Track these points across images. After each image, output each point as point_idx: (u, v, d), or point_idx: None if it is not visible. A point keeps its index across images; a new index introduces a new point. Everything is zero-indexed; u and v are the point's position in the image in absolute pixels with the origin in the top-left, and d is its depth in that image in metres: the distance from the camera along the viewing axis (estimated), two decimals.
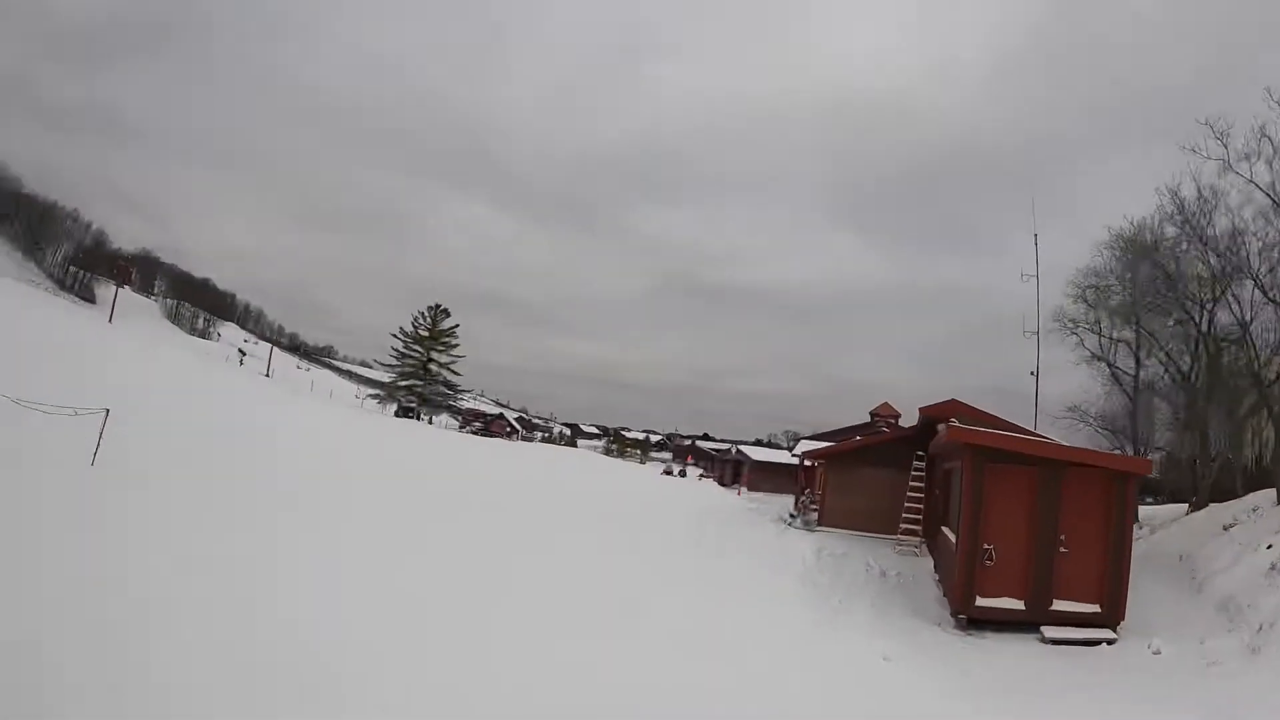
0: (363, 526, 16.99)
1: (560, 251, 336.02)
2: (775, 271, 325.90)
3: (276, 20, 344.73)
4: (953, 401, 19.51)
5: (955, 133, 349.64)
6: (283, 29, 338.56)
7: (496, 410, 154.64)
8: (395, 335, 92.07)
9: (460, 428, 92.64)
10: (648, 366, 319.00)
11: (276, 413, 49.14)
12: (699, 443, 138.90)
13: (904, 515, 21.90)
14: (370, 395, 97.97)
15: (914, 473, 22.45)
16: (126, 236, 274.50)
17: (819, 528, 24.35)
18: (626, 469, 62.00)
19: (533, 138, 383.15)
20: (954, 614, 15.12)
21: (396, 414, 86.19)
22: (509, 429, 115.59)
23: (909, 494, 22.19)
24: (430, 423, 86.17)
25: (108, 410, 19.31)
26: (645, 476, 54.35)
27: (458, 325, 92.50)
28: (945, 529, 18.57)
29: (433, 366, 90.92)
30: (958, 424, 17.00)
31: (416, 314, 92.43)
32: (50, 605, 8.39)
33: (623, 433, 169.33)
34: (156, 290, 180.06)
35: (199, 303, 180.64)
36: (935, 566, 19.54)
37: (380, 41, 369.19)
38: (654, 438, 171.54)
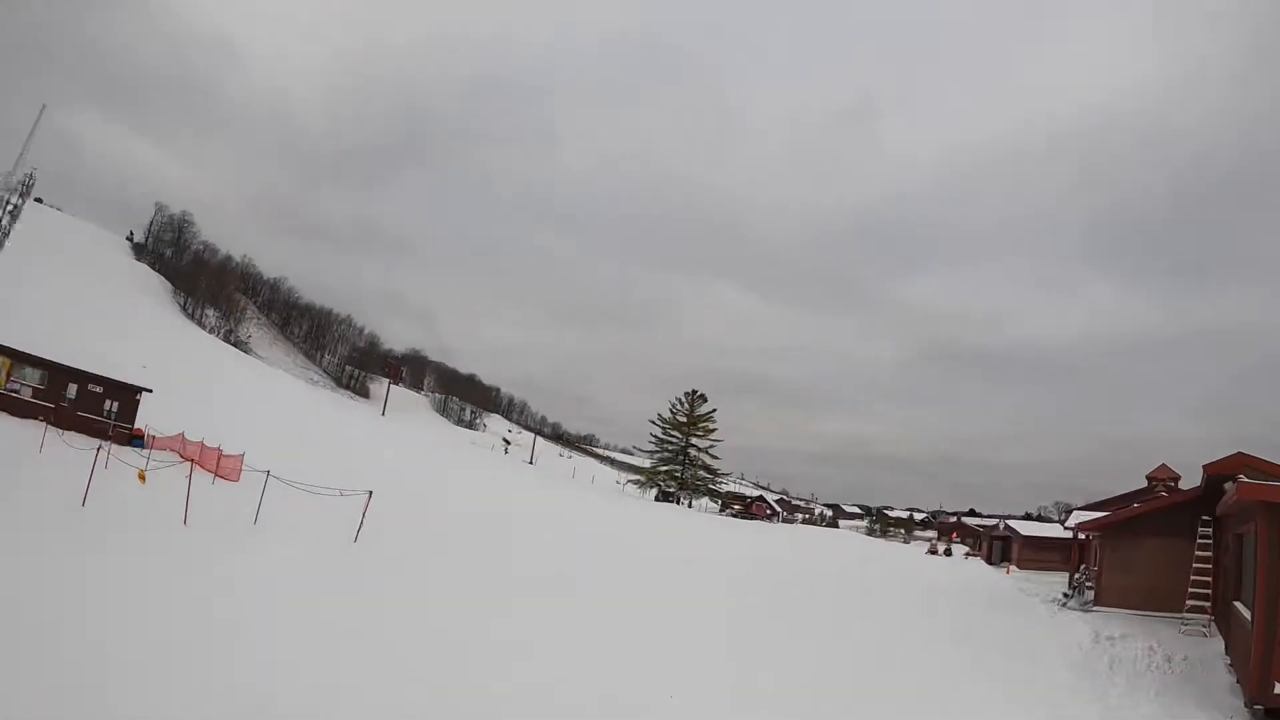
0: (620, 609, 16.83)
1: (811, 327, 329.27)
2: (1037, 329, 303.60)
3: (523, 126, 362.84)
4: (1239, 455, 17.30)
5: (1212, 143, 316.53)
6: (528, 135, 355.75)
7: (756, 492, 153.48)
8: (654, 422, 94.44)
9: (720, 510, 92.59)
10: (908, 441, 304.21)
11: (539, 498, 50.62)
12: (964, 519, 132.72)
13: (1190, 590, 19.48)
14: (630, 480, 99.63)
15: (1200, 540, 19.97)
16: (397, 338, 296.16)
17: (1096, 608, 22.13)
18: (888, 550, 59.96)
19: (771, 213, 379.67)
20: (1249, 704, 13.01)
21: (657, 498, 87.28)
22: (769, 511, 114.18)
23: (1195, 565, 19.70)
24: (689, 506, 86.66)
25: (370, 492, 20.32)
26: (908, 557, 52.26)
27: (715, 410, 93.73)
28: (1238, 604, 16.18)
29: (691, 451, 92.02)
30: (1247, 480, 14.94)
31: (674, 400, 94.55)
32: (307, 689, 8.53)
33: (885, 511, 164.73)
34: (426, 386, 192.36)
35: (466, 397, 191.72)
36: (1226, 648, 17.13)
37: (619, 134, 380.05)
38: (917, 515, 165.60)
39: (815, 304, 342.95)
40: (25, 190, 60.71)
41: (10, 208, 52.19)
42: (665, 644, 14.23)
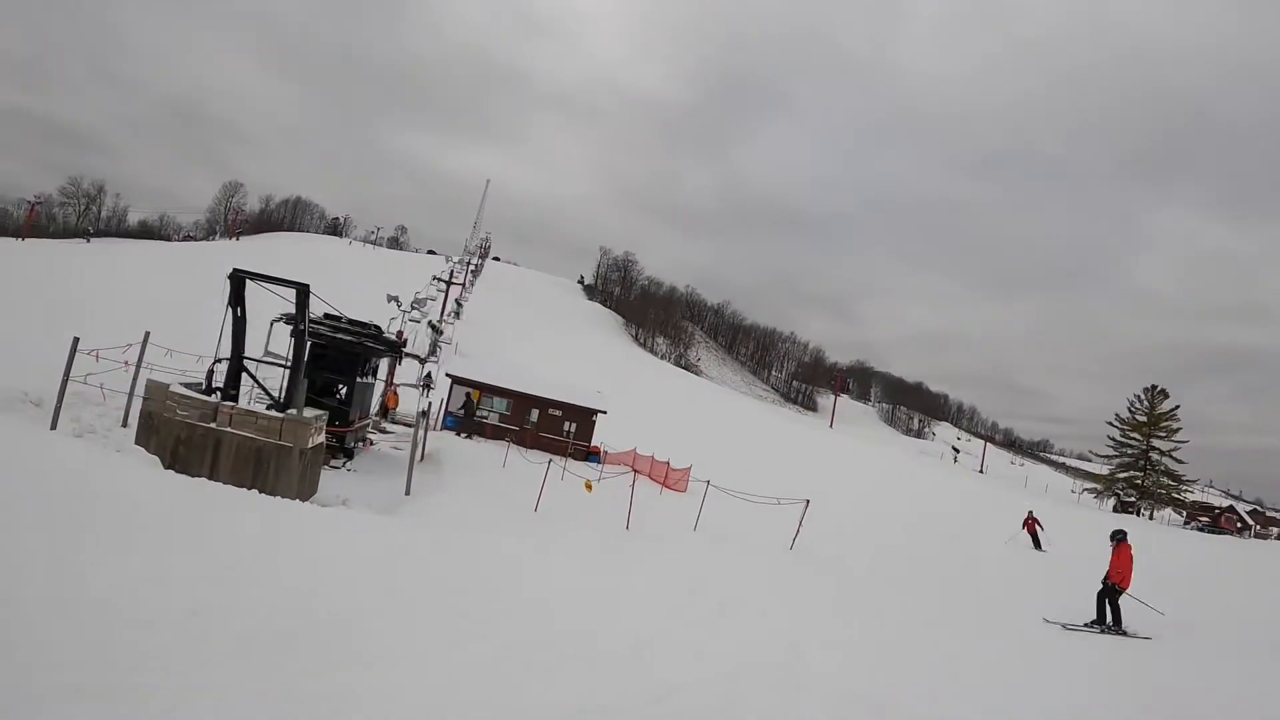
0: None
1: None
2: None
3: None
4: None
5: None
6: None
7: (1226, 502, 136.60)
8: (1110, 424, 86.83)
9: (1184, 524, 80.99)
10: None
11: (986, 508, 48.61)
12: None
13: None
14: (1086, 489, 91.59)
15: None
16: (840, 350, 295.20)
17: None
18: None
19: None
20: None
21: (1115, 509, 79.79)
22: (1240, 524, 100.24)
23: None
24: (1150, 518, 78.39)
25: (808, 501, 20.30)
26: None
27: (1178, 407, 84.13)
28: None
29: (1153, 455, 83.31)
30: None
31: (1131, 398, 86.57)
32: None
33: None
34: (873, 396, 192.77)
35: (913, 405, 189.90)
36: None
37: None
38: None
39: None
40: (484, 252, 69.43)
41: (473, 267, 59.23)
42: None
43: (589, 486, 21.62)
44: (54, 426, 14.90)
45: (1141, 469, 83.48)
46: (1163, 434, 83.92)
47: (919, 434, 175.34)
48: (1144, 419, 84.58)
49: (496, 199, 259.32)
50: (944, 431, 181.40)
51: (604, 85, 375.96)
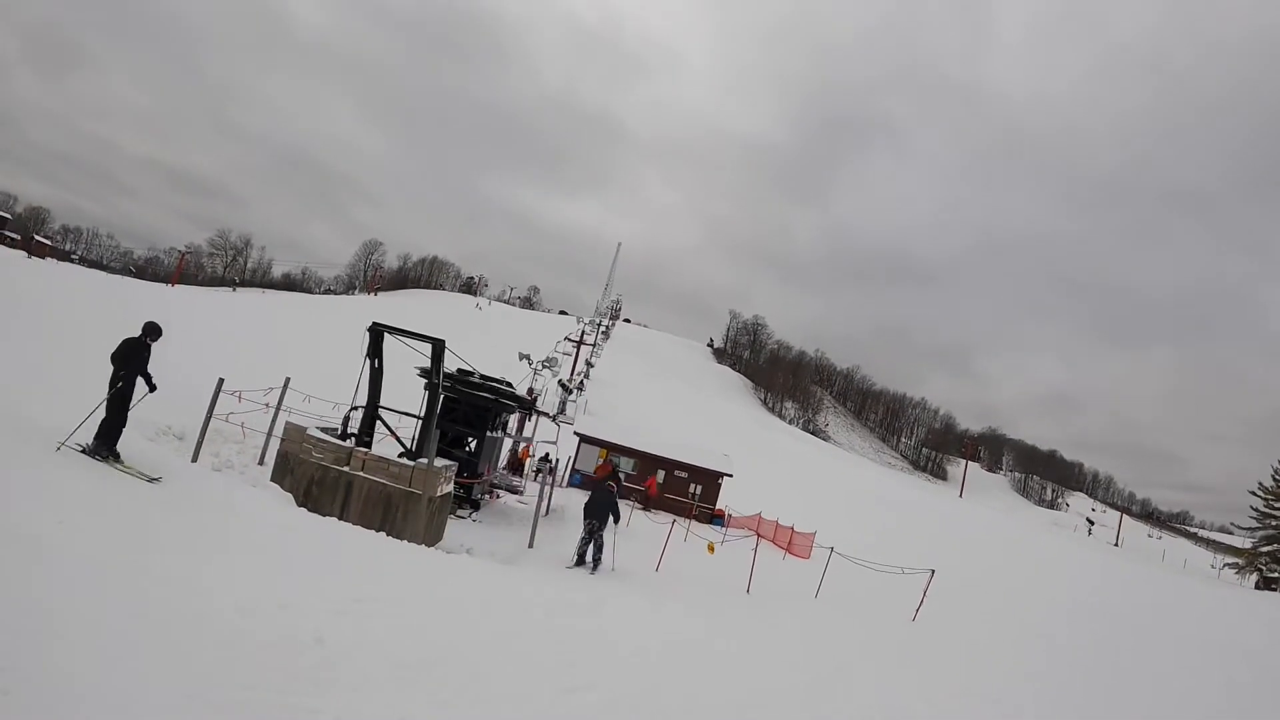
0: None
1: None
2: None
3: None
4: None
5: None
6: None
7: None
8: (1253, 493, 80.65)
9: None
10: None
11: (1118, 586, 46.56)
12: None
13: None
14: (1226, 564, 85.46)
15: None
16: (970, 415, 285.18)
17: None
18: None
19: None
20: None
21: (1257, 585, 74.53)
22: None
23: None
24: None
25: (932, 571, 19.75)
26: None
27: None
28: None
29: None
30: None
31: (1276, 465, 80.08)
32: None
33: None
34: (1004, 465, 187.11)
35: (1046, 475, 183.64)
36: None
37: None
38: None
39: None
40: (615, 313, 70.40)
41: (603, 328, 59.91)
42: None
43: (711, 549, 21.43)
44: (195, 459, 15.44)
45: None
46: None
47: (1052, 504, 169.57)
48: None
49: (607, 252, 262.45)
50: (1078, 502, 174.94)
51: (706, 133, 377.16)
